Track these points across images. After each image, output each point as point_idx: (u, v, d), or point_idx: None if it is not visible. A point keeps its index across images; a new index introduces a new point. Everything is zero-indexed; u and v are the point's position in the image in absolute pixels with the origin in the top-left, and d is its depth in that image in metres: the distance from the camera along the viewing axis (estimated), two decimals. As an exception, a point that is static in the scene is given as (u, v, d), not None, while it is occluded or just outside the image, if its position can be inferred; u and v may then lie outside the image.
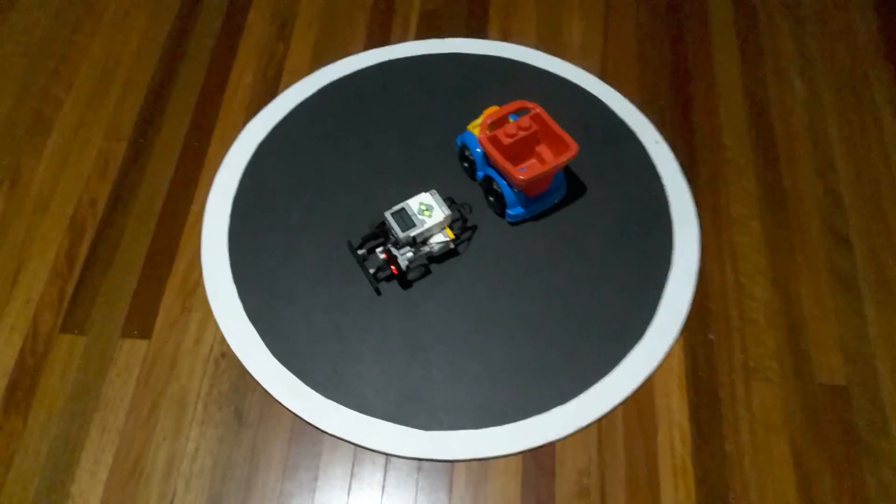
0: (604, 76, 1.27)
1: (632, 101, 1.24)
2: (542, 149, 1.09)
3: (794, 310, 1.06)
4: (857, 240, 1.12)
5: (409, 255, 1.02)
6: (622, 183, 1.15)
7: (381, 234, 1.06)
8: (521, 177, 1.01)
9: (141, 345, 1.03)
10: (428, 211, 1.03)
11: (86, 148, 1.20)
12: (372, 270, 1.04)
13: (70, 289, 1.07)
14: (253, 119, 1.22)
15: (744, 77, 1.27)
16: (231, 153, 1.19)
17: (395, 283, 1.07)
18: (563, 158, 1.03)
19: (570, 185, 1.15)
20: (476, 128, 1.10)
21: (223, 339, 1.03)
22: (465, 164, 1.15)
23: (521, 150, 1.08)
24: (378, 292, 1.06)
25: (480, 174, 1.12)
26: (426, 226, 1.02)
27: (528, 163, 1.10)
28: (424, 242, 1.04)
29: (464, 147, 1.13)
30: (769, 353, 1.02)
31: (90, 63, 1.29)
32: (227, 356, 1.02)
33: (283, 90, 1.25)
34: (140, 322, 1.05)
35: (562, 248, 1.09)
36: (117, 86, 1.27)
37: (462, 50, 1.29)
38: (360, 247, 1.07)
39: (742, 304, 1.06)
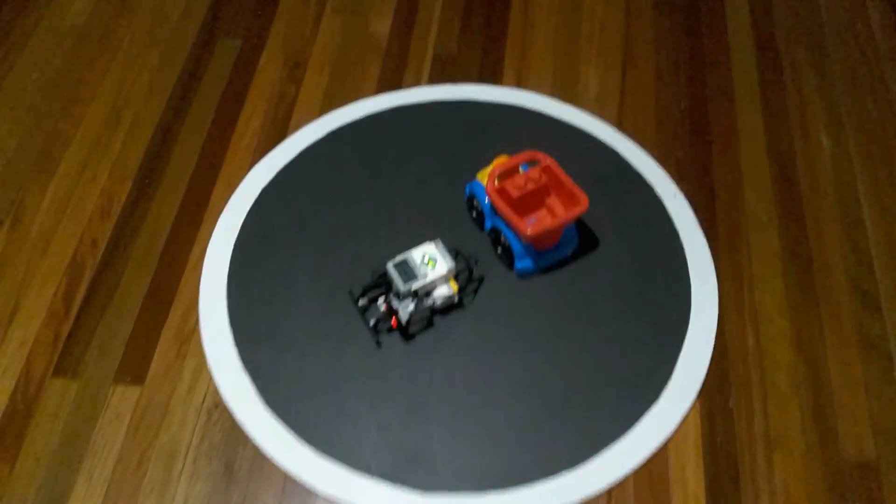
0: (620, 126, 1.23)
1: (649, 152, 1.20)
2: (553, 201, 1.05)
3: (819, 377, 1.00)
4: (887, 303, 1.06)
5: (410, 307, 0.98)
6: (637, 237, 1.11)
7: (383, 284, 1.02)
8: (529, 231, 0.97)
9: (133, 391, 1.00)
10: (431, 262, 0.99)
11: (90, 187, 1.19)
12: (372, 322, 1.00)
13: (65, 331, 1.05)
14: (260, 162, 1.20)
15: (767, 129, 1.23)
16: (235, 196, 1.16)
17: (396, 336, 1.03)
18: (573, 213, 0.99)
19: (582, 238, 1.10)
20: (485, 177, 1.07)
21: (217, 389, 0.99)
22: (474, 214, 1.11)
23: (530, 203, 1.04)
24: (378, 345, 1.02)
25: (488, 224, 1.08)
26: (428, 278, 0.98)
27: (537, 214, 1.06)
28: (427, 295, 1.00)
29: (472, 196, 1.09)
30: (793, 422, 0.96)
31: (100, 101, 1.28)
32: (219, 407, 0.98)
33: (291, 133, 1.23)
34: (133, 368, 1.02)
35: (573, 303, 1.05)
36: (126, 124, 1.26)
37: (475, 96, 1.27)
38: (361, 296, 1.03)
39: (764, 368, 1.00)
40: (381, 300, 1.01)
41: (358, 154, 1.20)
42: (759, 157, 1.20)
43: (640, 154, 1.20)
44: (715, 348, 1.02)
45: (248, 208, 1.15)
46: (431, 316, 1.03)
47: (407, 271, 0.99)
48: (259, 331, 1.03)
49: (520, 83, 1.29)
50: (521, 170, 1.08)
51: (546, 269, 1.08)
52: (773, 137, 1.22)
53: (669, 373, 0.99)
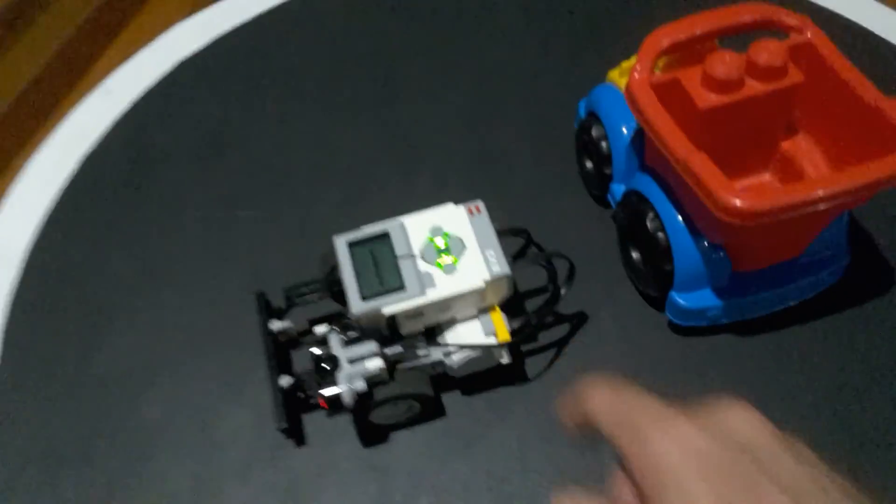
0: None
1: None
2: (801, 146, 0.40)
3: None
4: None
5: (373, 365, 0.37)
6: None
7: (334, 291, 0.41)
8: (740, 203, 0.33)
9: None
10: (447, 254, 0.37)
11: None
12: (285, 381, 0.39)
13: None
14: (201, 11, 0.63)
15: None
16: (129, 67, 0.60)
17: (343, 421, 0.42)
18: (881, 174, 0.33)
19: (858, 256, 0.44)
20: (626, 74, 0.43)
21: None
22: (588, 163, 0.48)
23: (740, 135, 0.39)
24: (295, 438, 0.41)
25: (619, 189, 0.45)
26: (431, 297, 0.36)
27: (772, 167, 0.41)
28: (430, 336, 0.39)
29: (591, 120, 0.46)
30: None
31: None
32: None
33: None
34: None
35: (803, 414, 0.40)
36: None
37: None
38: (281, 314, 0.43)
39: None
40: (322, 330, 0.40)
41: (363, 27, 0.60)
42: None
43: None
44: None
45: (139, 92, 0.58)
46: (436, 394, 0.40)
47: (380, 267, 0.38)
48: (54, 377, 0.45)
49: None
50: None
51: (746, 322, 0.43)
52: None
53: None
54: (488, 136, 0.53)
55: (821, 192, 0.33)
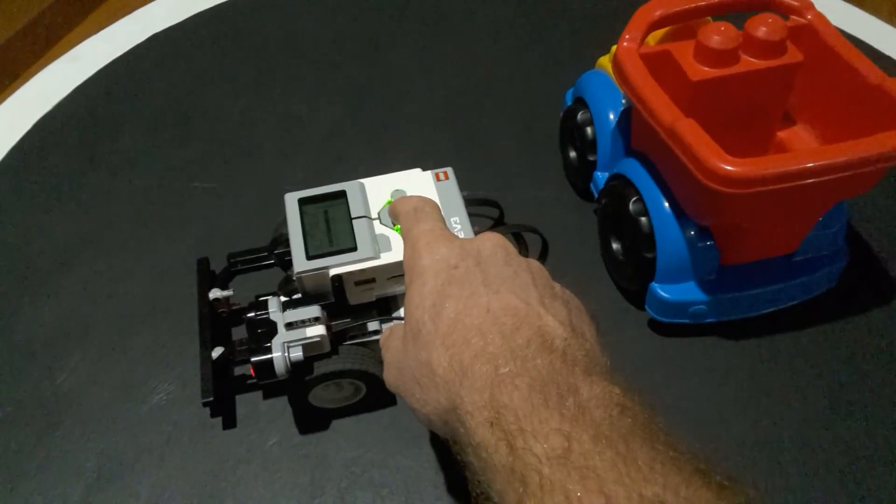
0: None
1: None
2: (798, 137, 0.38)
3: None
4: None
5: (315, 332, 0.33)
6: None
7: (279, 254, 0.37)
8: (731, 168, 0.29)
9: None
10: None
11: None
12: (215, 353, 0.35)
13: None
14: (179, -4, 0.61)
15: None
16: (100, 37, 0.57)
17: (284, 403, 0.37)
18: (879, 149, 0.30)
19: (856, 258, 0.40)
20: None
21: None
22: (572, 152, 0.45)
23: (734, 117, 0.36)
24: (223, 417, 0.37)
25: (602, 178, 0.42)
26: (386, 261, 0.33)
27: (758, 143, 0.38)
28: (383, 312, 0.35)
29: (578, 106, 0.44)
30: None
31: None
32: None
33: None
34: None
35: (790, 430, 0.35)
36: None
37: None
38: (226, 281, 0.39)
39: None
40: (272, 302, 0.35)
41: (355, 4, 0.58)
42: None
43: None
44: None
45: (104, 62, 0.55)
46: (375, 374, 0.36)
47: (332, 227, 0.34)
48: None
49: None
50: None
51: (738, 321, 0.39)
52: None
53: None
54: (469, 126, 0.50)
55: (816, 163, 0.30)
